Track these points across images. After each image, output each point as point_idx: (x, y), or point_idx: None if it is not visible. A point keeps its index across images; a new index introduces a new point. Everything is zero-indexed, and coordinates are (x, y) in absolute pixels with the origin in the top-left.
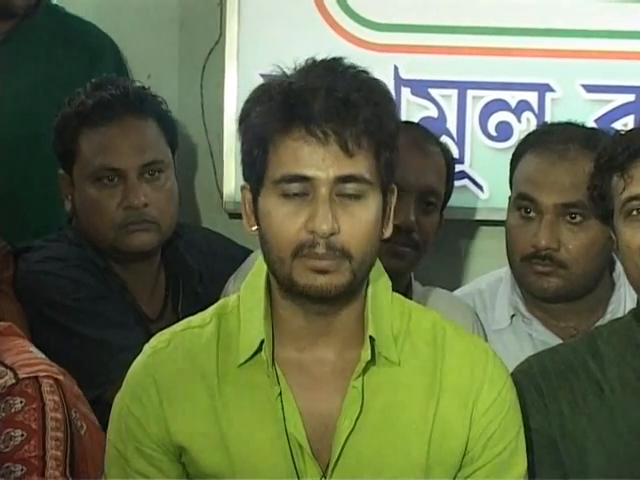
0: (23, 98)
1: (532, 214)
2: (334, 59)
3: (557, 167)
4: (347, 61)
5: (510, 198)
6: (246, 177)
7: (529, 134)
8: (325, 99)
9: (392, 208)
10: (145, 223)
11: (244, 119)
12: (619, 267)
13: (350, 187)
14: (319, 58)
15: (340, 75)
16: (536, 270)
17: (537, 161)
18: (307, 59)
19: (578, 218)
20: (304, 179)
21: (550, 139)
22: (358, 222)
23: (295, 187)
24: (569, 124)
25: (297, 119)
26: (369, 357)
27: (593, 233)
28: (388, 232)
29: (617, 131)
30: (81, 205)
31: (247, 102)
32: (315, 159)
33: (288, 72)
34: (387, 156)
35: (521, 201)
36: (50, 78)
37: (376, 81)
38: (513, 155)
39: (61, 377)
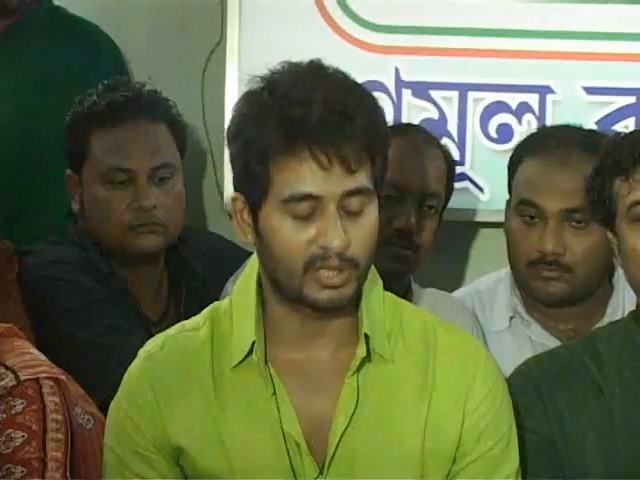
0: (20, 96)
1: (535, 220)
2: (317, 63)
3: (560, 173)
4: (329, 65)
5: (509, 202)
6: (242, 189)
7: (527, 137)
8: (324, 115)
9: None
10: (153, 225)
11: (239, 134)
12: (619, 273)
13: (355, 200)
14: (307, 60)
15: (330, 83)
16: (543, 275)
17: (539, 166)
18: (288, 62)
19: (582, 222)
20: (312, 198)
21: (550, 143)
22: (364, 232)
23: (305, 207)
24: (567, 127)
25: (300, 140)
26: (364, 354)
27: (597, 236)
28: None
29: (618, 133)
30: (89, 205)
31: (240, 116)
32: (320, 177)
33: (274, 75)
34: (381, 161)
35: (524, 207)
36: (47, 76)
37: (361, 85)
38: (511, 159)
39: (62, 377)
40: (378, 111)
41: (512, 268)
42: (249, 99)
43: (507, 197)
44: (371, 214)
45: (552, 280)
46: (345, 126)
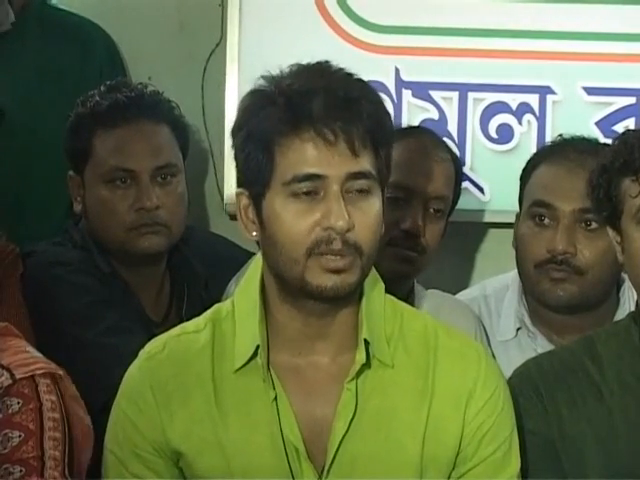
0: (16, 93)
1: (547, 221)
2: (322, 62)
3: (574, 174)
4: (335, 63)
5: (518, 215)
6: (246, 183)
7: (541, 148)
8: (328, 99)
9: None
10: (156, 226)
11: (243, 126)
12: (625, 285)
13: (359, 183)
14: (312, 62)
15: (334, 75)
16: (552, 276)
17: (554, 169)
18: (294, 64)
19: (594, 225)
20: (315, 177)
21: (566, 150)
22: (368, 218)
23: (306, 185)
24: (582, 138)
25: (304, 120)
26: (364, 360)
27: (608, 241)
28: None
29: (629, 131)
30: (92, 206)
31: (244, 109)
32: (325, 157)
33: (279, 73)
34: (385, 153)
35: (537, 208)
36: (42, 72)
37: (365, 82)
38: (524, 170)
39: (59, 372)
40: (382, 104)
41: (520, 273)
42: (253, 94)
43: (508, 197)
44: (375, 204)
45: (561, 282)
46: (350, 108)
